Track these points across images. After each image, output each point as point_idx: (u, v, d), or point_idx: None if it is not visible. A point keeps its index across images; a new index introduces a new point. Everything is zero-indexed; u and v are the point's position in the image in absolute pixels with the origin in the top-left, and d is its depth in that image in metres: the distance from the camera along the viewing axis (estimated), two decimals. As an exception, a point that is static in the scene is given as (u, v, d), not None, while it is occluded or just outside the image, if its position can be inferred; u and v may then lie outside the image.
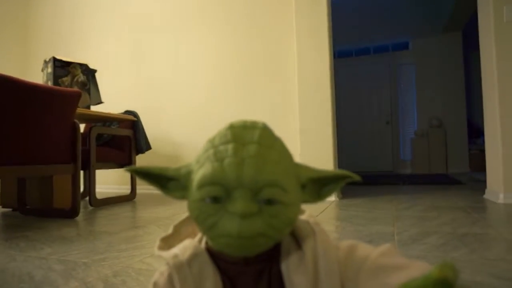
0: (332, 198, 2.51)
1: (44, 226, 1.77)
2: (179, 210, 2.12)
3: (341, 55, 6.18)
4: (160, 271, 0.30)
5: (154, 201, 2.64)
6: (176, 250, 0.30)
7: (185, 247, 0.29)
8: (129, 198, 2.71)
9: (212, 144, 0.27)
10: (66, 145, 1.96)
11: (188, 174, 0.28)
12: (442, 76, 5.47)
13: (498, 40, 2.23)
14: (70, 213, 1.98)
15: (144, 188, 3.31)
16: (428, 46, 5.57)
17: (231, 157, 0.25)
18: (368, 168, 5.99)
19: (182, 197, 0.29)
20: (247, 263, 0.28)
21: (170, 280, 0.28)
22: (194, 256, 0.28)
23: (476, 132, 5.71)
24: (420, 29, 5.38)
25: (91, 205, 2.37)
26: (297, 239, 0.30)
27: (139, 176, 0.28)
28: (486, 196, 2.42)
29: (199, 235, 0.32)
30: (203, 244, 0.30)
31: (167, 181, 0.29)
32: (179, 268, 0.28)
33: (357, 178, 0.29)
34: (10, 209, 2.38)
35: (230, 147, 0.25)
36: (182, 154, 3.21)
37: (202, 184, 0.25)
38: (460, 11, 4.67)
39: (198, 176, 0.26)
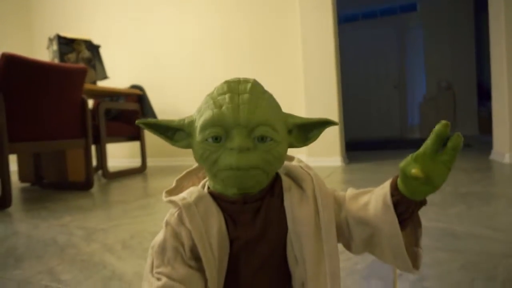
0: (338, 163, 2.56)
1: (61, 198, 1.86)
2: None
3: (347, 19, 6.03)
4: (170, 212, 0.35)
5: (163, 173, 2.72)
6: (184, 194, 0.34)
7: (191, 191, 0.34)
8: (140, 170, 2.80)
9: (211, 96, 0.31)
10: (76, 120, 2.02)
11: (191, 122, 0.32)
12: (451, 38, 5.32)
13: (508, 2, 2.16)
14: (85, 185, 2.07)
15: (153, 160, 3.39)
16: (437, 7, 5.39)
17: (228, 103, 0.29)
18: (375, 133, 5.99)
19: (187, 145, 0.33)
20: (245, 202, 0.33)
21: (180, 218, 0.33)
22: (199, 198, 0.33)
23: (486, 95, 5.60)
24: (429, -12, 5.19)
25: (104, 177, 2.46)
26: (295, 181, 0.34)
27: (148, 128, 0.32)
28: (492, 157, 2.44)
29: (201, 183, 0.37)
30: (205, 189, 0.34)
31: (173, 132, 0.33)
32: (188, 207, 0.32)
33: (336, 123, 0.33)
34: (29, 184, 2.48)
35: (227, 96, 0.30)
36: (190, 126, 3.26)
37: (205, 126, 0.29)
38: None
39: (200, 120, 0.30)
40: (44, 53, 3.87)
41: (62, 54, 2.46)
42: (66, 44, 2.50)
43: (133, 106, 2.73)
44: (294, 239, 0.32)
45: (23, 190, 2.24)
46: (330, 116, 2.58)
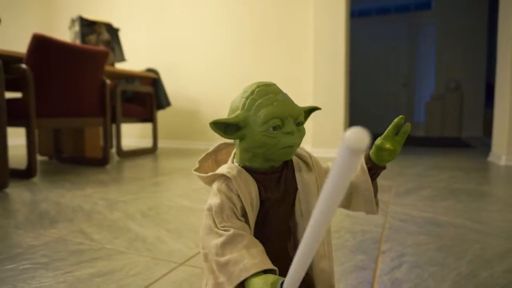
0: (341, 156, 2.67)
1: (81, 172, 1.99)
2: (195, 161, 2.32)
3: (361, 13, 6.04)
4: (218, 182, 0.44)
5: (174, 154, 2.85)
6: (225, 169, 0.44)
7: (230, 166, 0.44)
8: (151, 150, 2.93)
9: (253, 98, 0.42)
10: (97, 100, 2.14)
11: (246, 118, 0.42)
12: (463, 38, 5.34)
13: None
14: (101, 162, 2.21)
15: (164, 142, 3.52)
16: (451, 6, 5.39)
17: (277, 101, 0.41)
18: (381, 128, 6.06)
19: (239, 137, 0.43)
20: (272, 172, 0.45)
21: (228, 187, 0.43)
22: (239, 171, 0.44)
23: (494, 97, 5.64)
24: (445, -13, 5.18)
25: (118, 155, 2.59)
26: (301, 159, 0.48)
27: (216, 128, 0.41)
28: (489, 158, 2.53)
29: (229, 161, 0.47)
30: (236, 164, 0.46)
31: (226, 127, 0.42)
32: (235, 178, 0.42)
33: (319, 108, 0.48)
34: (47, 157, 2.63)
35: (271, 96, 0.42)
36: (200, 110, 3.37)
37: (269, 118, 0.40)
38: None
39: (262, 115, 0.40)
40: (62, 32, 3.98)
41: (83, 35, 2.57)
42: (87, 26, 2.61)
43: (147, 89, 2.85)
44: (303, 197, 0.45)
45: (43, 163, 2.38)
46: (336, 108, 2.68)
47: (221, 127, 0.41)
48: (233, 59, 3.21)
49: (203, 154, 0.50)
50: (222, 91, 3.26)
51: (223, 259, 0.38)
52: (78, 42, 2.56)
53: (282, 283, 0.31)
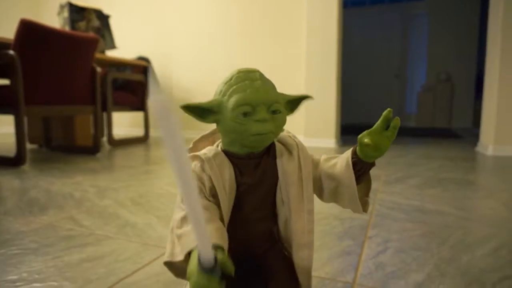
0: (332, 145, 2.69)
1: (71, 160, 1.98)
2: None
3: (354, 3, 6.02)
4: (195, 163, 0.46)
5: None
6: (204, 150, 0.46)
7: (209, 149, 0.45)
8: (143, 139, 2.92)
9: (230, 83, 0.42)
10: (87, 88, 2.12)
11: (220, 103, 0.42)
12: (455, 30, 5.36)
13: None
14: (92, 150, 2.19)
15: (156, 131, 3.51)
16: (445, -3, 5.39)
17: (251, 87, 0.41)
18: (372, 119, 6.10)
19: (214, 121, 0.43)
20: (249, 157, 0.45)
21: (202, 168, 0.44)
22: (216, 154, 0.44)
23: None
24: (438, -23, 5.18)
25: (109, 144, 2.58)
26: (284, 146, 0.48)
27: (186, 110, 0.42)
28: (477, 148, 2.57)
29: (215, 144, 0.49)
30: (219, 148, 0.46)
31: (201, 111, 0.43)
32: (208, 160, 0.43)
33: (311, 97, 0.47)
34: (37, 145, 2.60)
35: (247, 82, 0.42)
36: (192, 99, 3.36)
37: (238, 105, 0.40)
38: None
39: (233, 101, 0.41)
40: (50, 19, 3.91)
41: (73, 22, 2.53)
42: (77, 12, 2.56)
43: (139, 77, 2.82)
44: (283, 186, 0.45)
45: (33, 151, 2.36)
46: (328, 97, 2.69)
47: (197, 111, 0.42)
48: (225, 48, 3.18)
49: (199, 136, 0.51)
50: (214, 80, 3.25)
51: (179, 231, 0.39)
52: (67, 28, 2.52)
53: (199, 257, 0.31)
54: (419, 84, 5.84)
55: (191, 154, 0.46)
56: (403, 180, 1.51)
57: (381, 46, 6.00)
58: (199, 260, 0.31)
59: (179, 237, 0.39)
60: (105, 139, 2.99)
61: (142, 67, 2.92)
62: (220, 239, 0.38)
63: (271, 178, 0.46)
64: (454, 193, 1.29)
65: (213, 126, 2.34)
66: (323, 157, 0.50)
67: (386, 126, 0.44)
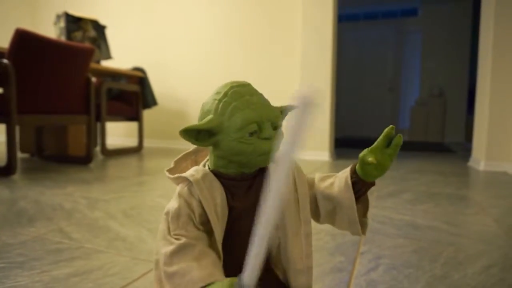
0: (326, 158, 2.69)
1: (63, 170, 1.96)
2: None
3: (349, 18, 6.12)
4: (181, 186, 0.40)
5: (159, 154, 2.83)
6: (191, 171, 0.40)
7: (197, 169, 0.40)
8: (137, 150, 2.90)
9: (226, 101, 0.38)
10: (81, 97, 2.11)
11: (220, 124, 0.38)
12: (448, 46, 5.46)
13: (498, 11, 2.26)
14: (85, 160, 2.18)
15: (150, 141, 3.50)
16: (437, 14, 5.50)
17: (253, 104, 0.38)
18: (366, 132, 6.14)
19: (213, 143, 0.39)
20: (242, 178, 0.41)
21: (190, 191, 0.39)
22: (205, 175, 0.39)
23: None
24: (431, -5, 5.29)
25: (102, 154, 2.56)
26: None
27: (186, 136, 0.37)
28: (470, 163, 2.59)
29: (201, 164, 0.44)
30: (206, 167, 0.42)
31: (197, 133, 0.38)
32: (197, 182, 0.38)
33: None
34: (28, 155, 2.57)
35: (247, 98, 0.38)
36: (187, 110, 3.36)
37: (246, 124, 0.36)
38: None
39: (238, 120, 0.36)
40: (46, 28, 3.91)
41: (69, 32, 2.53)
42: (73, 22, 2.57)
43: (134, 87, 2.83)
44: None
45: (24, 160, 2.34)
46: (322, 111, 2.71)
47: (192, 134, 0.38)
48: (221, 60, 3.21)
49: (181, 154, 0.46)
50: (210, 92, 3.26)
51: (170, 269, 0.35)
52: (63, 38, 2.52)
53: (240, 279, 0.29)
54: (412, 98, 5.91)
55: (176, 175, 0.41)
56: (395, 194, 1.52)
57: (375, 61, 6.08)
58: None
59: (171, 276, 0.35)
60: (98, 149, 2.97)
61: (137, 78, 2.93)
62: (219, 272, 0.35)
63: None
64: (446, 208, 1.29)
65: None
66: (317, 176, 0.47)
67: (388, 143, 0.42)
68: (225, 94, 0.38)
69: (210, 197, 0.39)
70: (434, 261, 0.80)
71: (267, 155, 0.38)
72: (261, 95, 0.40)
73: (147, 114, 3.52)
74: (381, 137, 0.42)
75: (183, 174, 0.40)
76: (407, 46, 5.92)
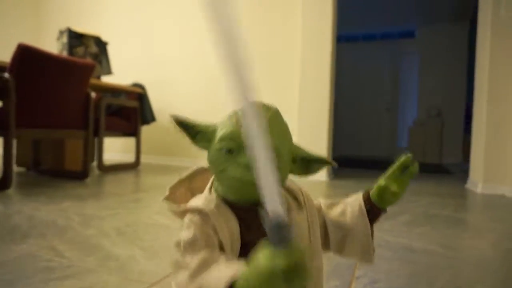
0: (324, 178, 2.69)
1: (59, 185, 1.95)
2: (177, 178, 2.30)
3: (348, 39, 6.22)
4: (189, 217, 0.36)
5: (156, 170, 2.82)
6: (201, 200, 0.37)
7: (207, 199, 0.37)
8: (134, 165, 2.89)
9: (235, 113, 0.36)
10: (79, 112, 2.12)
11: (214, 131, 0.37)
12: (445, 67, 5.54)
13: (494, 33, 2.30)
14: (81, 175, 2.17)
15: (147, 157, 3.49)
16: (434, 35, 5.61)
17: None
18: (364, 152, 6.15)
19: (205, 147, 0.38)
20: (255, 208, 0.37)
21: (203, 219, 0.35)
22: (218, 205, 0.37)
23: (473, 125, 5.82)
24: (428, 17, 5.40)
25: (98, 169, 2.55)
26: (289, 192, 0.42)
27: (178, 125, 0.37)
28: (467, 185, 2.59)
29: (206, 190, 0.40)
30: (213, 195, 0.39)
31: (196, 133, 0.38)
32: (213, 212, 0.36)
33: (334, 164, 0.41)
34: (24, 168, 2.56)
35: None
36: (186, 128, 3.37)
37: (223, 138, 0.35)
38: (467, 1, 4.70)
39: (221, 132, 0.35)
40: (49, 44, 3.96)
41: (71, 47, 2.57)
42: (75, 38, 2.61)
43: (133, 103, 2.84)
44: None
45: (20, 174, 2.32)
46: (319, 129, 2.72)
47: (191, 131, 0.38)
48: (219, 79, 3.24)
49: (176, 180, 0.43)
50: (208, 110, 3.28)
51: (194, 285, 0.31)
52: (65, 53, 2.55)
53: (269, 217, 0.24)
54: (410, 118, 5.95)
55: (183, 206, 0.38)
56: (392, 216, 1.51)
57: (373, 81, 6.15)
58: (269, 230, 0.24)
59: None
60: (95, 164, 2.96)
61: (136, 94, 2.95)
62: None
63: None
64: (442, 231, 1.28)
65: (191, 167, 2.32)
66: (323, 202, 0.46)
67: (402, 171, 0.42)
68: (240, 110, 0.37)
69: (226, 227, 0.35)
70: (430, 285, 0.79)
71: (237, 182, 0.34)
72: (278, 123, 0.37)
73: (144, 130, 3.52)
74: (397, 164, 0.42)
75: (193, 205, 0.37)
76: (404, 67, 6.00)
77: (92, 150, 2.78)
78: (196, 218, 0.36)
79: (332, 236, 0.44)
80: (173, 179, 0.43)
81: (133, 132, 2.91)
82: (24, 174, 2.33)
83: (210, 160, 0.37)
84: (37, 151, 2.43)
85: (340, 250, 0.44)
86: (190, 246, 0.34)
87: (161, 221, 1.26)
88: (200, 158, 3.22)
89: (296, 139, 2.78)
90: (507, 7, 2.28)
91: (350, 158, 5.47)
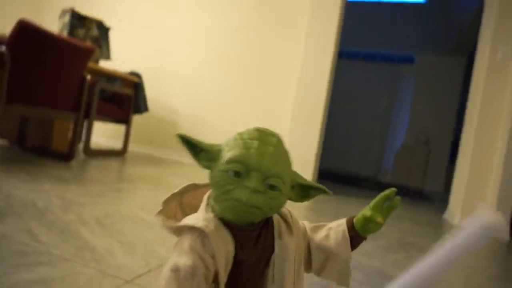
0: (307, 190, 2.71)
1: (42, 164, 1.92)
2: (166, 170, 2.29)
3: (349, 56, 6.29)
4: (191, 237, 0.37)
5: (143, 160, 2.80)
6: (200, 219, 0.37)
7: (207, 219, 0.38)
8: (120, 153, 2.87)
9: (241, 137, 0.38)
10: (73, 94, 2.10)
11: (219, 151, 0.38)
12: (438, 97, 5.65)
13: (489, 74, 2.37)
14: (66, 157, 2.14)
15: (136, 146, 3.46)
16: (432, 65, 5.72)
17: (256, 149, 0.36)
18: (350, 169, 6.22)
19: (207, 166, 0.39)
20: (252, 229, 0.39)
21: (203, 244, 0.36)
22: (217, 225, 0.37)
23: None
24: (428, 47, 5.51)
25: (84, 153, 2.52)
26: (279, 215, 0.44)
27: (182, 141, 0.38)
28: (445, 215, 2.64)
29: (202, 208, 0.40)
30: (209, 213, 0.39)
31: (199, 151, 0.39)
32: (213, 233, 0.36)
33: (330, 194, 0.44)
34: (7, 141, 2.51)
35: (256, 142, 0.36)
36: (177, 120, 3.35)
37: (231, 160, 0.35)
38: (467, 38, 4.81)
39: (229, 154, 0.36)
40: (49, 21, 3.91)
41: (72, 28, 2.53)
42: (78, 19, 2.58)
43: (128, 91, 2.82)
44: (278, 262, 0.40)
45: (2, 148, 2.28)
46: (309, 142, 2.74)
47: (195, 149, 0.39)
48: (217, 75, 3.24)
49: (169, 195, 0.43)
50: (201, 105, 3.27)
51: None
52: (65, 33, 2.52)
53: None
54: (398, 141, 6.04)
55: (181, 225, 0.38)
56: (369, 239, 1.51)
57: (369, 100, 6.23)
58: None
59: None
60: (81, 146, 2.92)
61: (132, 82, 2.93)
62: None
63: (270, 253, 0.40)
64: (416, 260, 1.31)
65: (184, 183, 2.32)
66: (307, 225, 0.47)
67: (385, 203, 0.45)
68: (246, 132, 0.38)
69: (224, 250, 0.36)
70: (398, 315, 0.81)
71: (240, 204, 0.35)
72: (282, 152, 0.38)
73: (136, 118, 3.49)
74: (381, 196, 0.45)
75: (191, 223, 0.37)
76: (399, 90, 6.10)
77: (81, 131, 2.74)
78: (197, 243, 0.36)
79: (315, 258, 0.46)
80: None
81: (124, 119, 2.89)
82: (7, 148, 2.29)
83: (214, 180, 0.38)
84: (24, 125, 2.39)
85: (320, 271, 0.47)
86: (190, 277, 0.34)
87: (141, 216, 1.26)
88: (186, 155, 3.20)
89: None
90: (503, 52, 2.35)
91: (336, 172, 5.52)
